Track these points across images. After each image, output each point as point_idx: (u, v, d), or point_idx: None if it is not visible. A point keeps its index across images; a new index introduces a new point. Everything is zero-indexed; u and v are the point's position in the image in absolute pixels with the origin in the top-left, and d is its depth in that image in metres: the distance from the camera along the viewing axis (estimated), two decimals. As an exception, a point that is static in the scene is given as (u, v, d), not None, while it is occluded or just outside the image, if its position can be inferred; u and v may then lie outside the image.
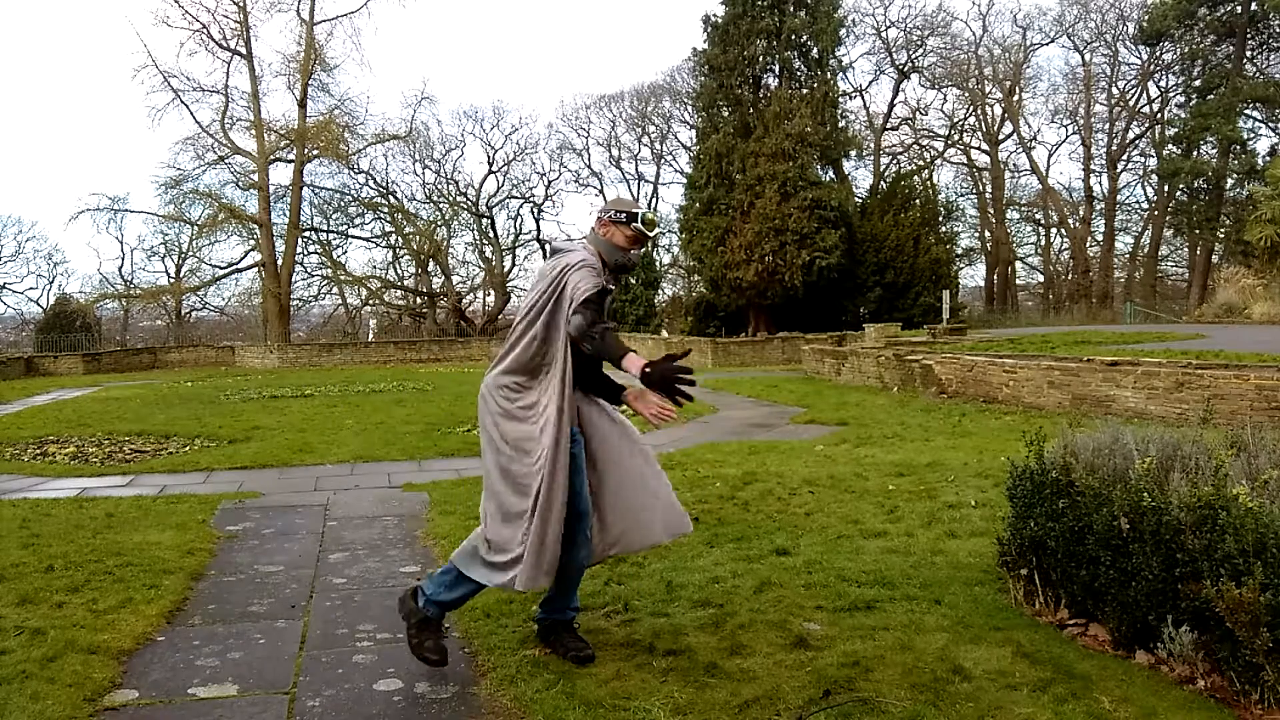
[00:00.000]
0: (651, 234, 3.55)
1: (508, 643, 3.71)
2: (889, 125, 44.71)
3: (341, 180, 41.99)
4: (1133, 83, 42.47)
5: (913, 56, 43.34)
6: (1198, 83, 37.07)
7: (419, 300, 45.10)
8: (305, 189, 38.21)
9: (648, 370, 3.08)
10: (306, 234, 40.42)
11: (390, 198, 43.79)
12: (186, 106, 37.78)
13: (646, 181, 47.12)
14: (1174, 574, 3.17)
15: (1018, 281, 47.40)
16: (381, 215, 43.92)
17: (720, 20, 31.57)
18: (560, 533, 3.34)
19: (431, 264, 44.16)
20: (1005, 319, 37.17)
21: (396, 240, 44.50)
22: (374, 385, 19.11)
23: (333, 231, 42.91)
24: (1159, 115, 41.04)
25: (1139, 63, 41.38)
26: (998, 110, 44.42)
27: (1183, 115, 37.46)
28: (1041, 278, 48.45)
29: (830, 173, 32.25)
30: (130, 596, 4.39)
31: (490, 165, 45.15)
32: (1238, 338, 16.28)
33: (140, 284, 43.91)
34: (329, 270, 43.49)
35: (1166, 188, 39.07)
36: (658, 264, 42.72)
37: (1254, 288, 24.89)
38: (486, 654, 3.62)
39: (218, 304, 47.33)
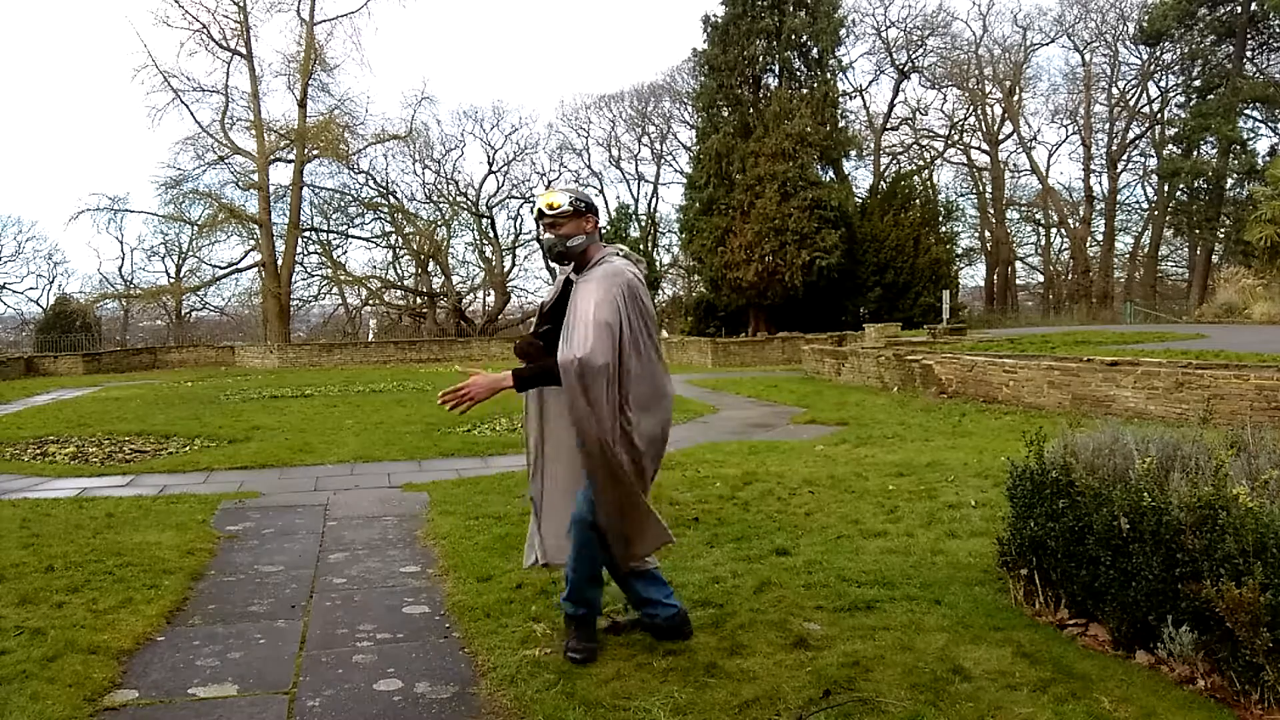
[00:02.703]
0: (550, 214, 3.53)
1: (508, 643, 3.71)
2: (889, 125, 44.72)
3: (341, 180, 42.09)
4: (1133, 83, 42.55)
5: (913, 56, 43.38)
6: (1198, 83, 37.08)
7: (419, 300, 45.09)
8: (305, 189, 38.25)
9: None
10: (306, 234, 40.45)
11: (390, 198, 43.84)
12: (186, 106, 37.89)
13: (646, 181, 47.20)
14: (1174, 574, 3.17)
15: (1018, 281, 47.44)
16: (381, 215, 43.96)
17: (720, 20, 31.57)
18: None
19: (431, 264, 44.16)
20: (1005, 319, 37.17)
21: (396, 240, 44.55)
22: (374, 385, 19.11)
23: (333, 231, 42.97)
24: (1159, 115, 41.08)
25: (1139, 63, 41.44)
26: (998, 110, 44.47)
27: (1183, 115, 37.48)
28: (1041, 278, 48.50)
29: (830, 173, 32.24)
30: (130, 596, 4.39)
31: (490, 165, 45.21)
32: (1238, 338, 16.27)
33: (140, 284, 43.99)
34: (329, 270, 43.52)
35: (1166, 188, 39.08)
36: (658, 264, 42.76)
37: (1254, 288, 24.88)
38: (486, 654, 3.62)
39: (218, 304, 47.43)
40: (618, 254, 3.59)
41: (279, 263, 36.93)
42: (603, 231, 3.72)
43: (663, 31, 72.37)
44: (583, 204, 3.56)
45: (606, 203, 44.67)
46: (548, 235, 3.57)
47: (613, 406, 3.37)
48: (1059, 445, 3.93)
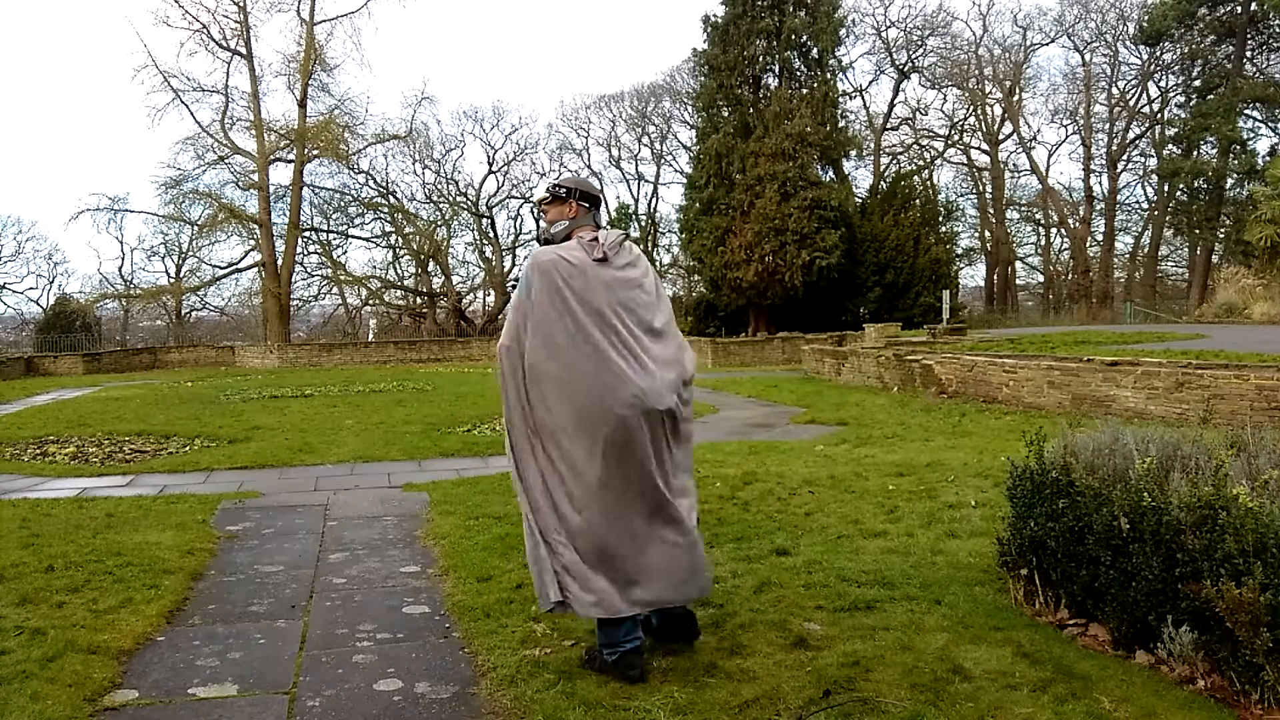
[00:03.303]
0: (539, 203, 3.68)
1: (508, 643, 3.71)
2: (889, 125, 44.67)
3: (341, 180, 42.01)
4: (1133, 83, 42.52)
5: (913, 56, 43.34)
6: (1198, 83, 37.09)
7: (419, 300, 45.07)
8: (305, 189, 38.20)
9: None
10: (306, 234, 40.40)
11: (390, 198, 43.78)
12: (186, 106, 37.77)
13: (646, 181, 47.15)
14: (1174, 574, 3.17)
15: (1018, 281, 47.42)
16: (381, 215, 43.91)
17: (720, 20, 31.56)
18: None
19: (431, 264, 44.14)
20: (1005, 319, 37.17)
21: (396, 240, 44.50)
22: (374, 385, 19.11)
23: (333, 231, 42.91)
24: (1159, 115, 41.05)
25: (1139, 63, 41.41)
26: (998, 110, 44.45)
27: (1183, 115, 37.48)
28: (1041, 278, 48.48)
29: (830, 173, 32.24)
30: (130, 596, 4.39)
31: (490, 165, 45.17)
32: (1238, 338, 16.27)
33: (140, 284, 43.93)
34: (329, 270, 43.47)
35: (1166, 188, 39.08)
36: (658, 264, 42.74)
37: (1254, 288, 24.88)
38: (486, 654, 3.62)
39: (218, 304, 47.36)
40: (580, 237, 3.47)
41: (279, 263, 36.91)
42: (598, 218, 3.60)
43: (663, 31, 72.43)
44: (562, 190, 3.53)
45: (606, 202, 44.58)
46: (542, 224, 3.68)
47: (517, 395, 3.36)
48: (1059, 445, 3.93)
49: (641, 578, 3.30)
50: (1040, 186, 44.94)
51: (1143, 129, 42.58)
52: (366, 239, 44.68)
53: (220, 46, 36.07)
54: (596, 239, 3.43)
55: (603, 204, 3.70)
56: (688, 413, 3.51)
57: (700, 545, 3.47)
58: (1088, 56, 43.22)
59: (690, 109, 39.39)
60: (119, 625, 3.98)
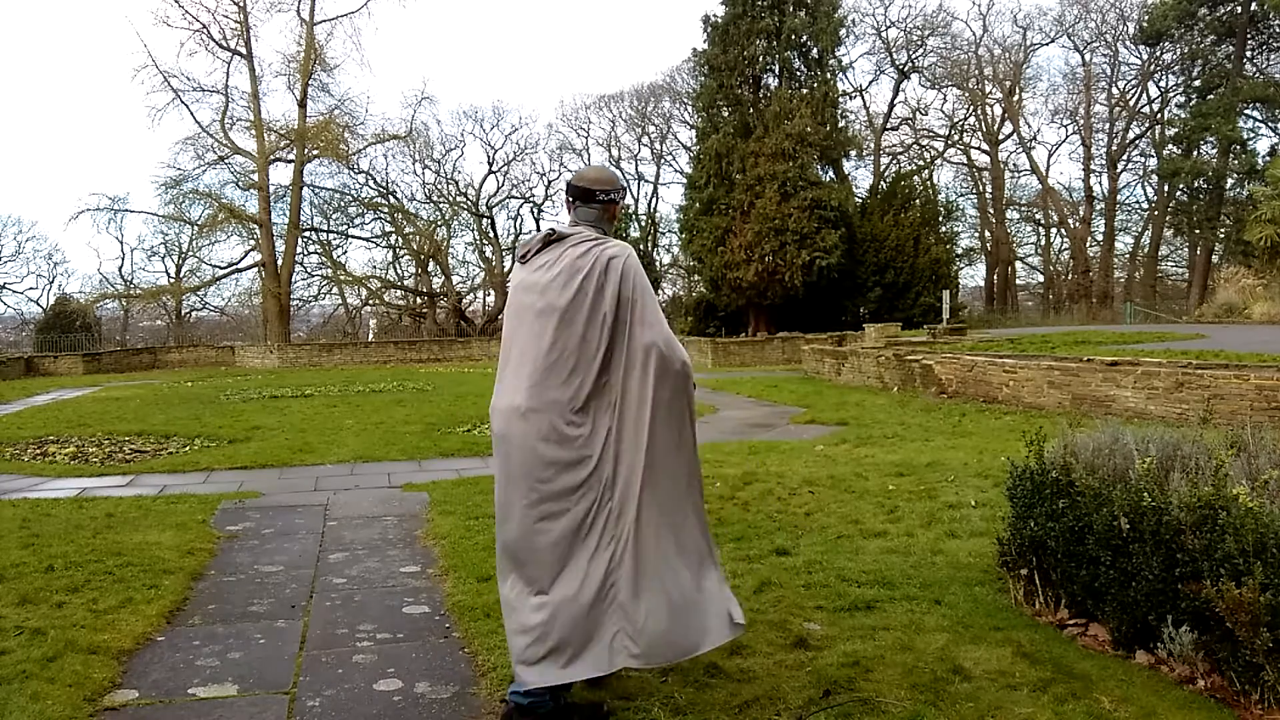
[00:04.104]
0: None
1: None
2: (889, 125, 44.68)
3: (341, 180, 42.00)
4: (1133, 83, 42.53)
5: (913, 56, 43.34)
6: (1198, 83, 37.11)
7: (419, 300, 45.06)
8: (305, 189, 38.20)
9: None
10: (306, 234, 40.39)
11: (390, 198, 43.77)
12: (186, 106, 37.82)
13: (646, 181, 47.12)
14: (1174, 574, 3.17)
15: (1018, 281, 47.42)
16: (381, 215, 43.91)
17: (720, 20, 31.57)
18: None
19: (431, 264, 44.13)
20: (1005, 319, 37.17)
21: (396, 240, 44.50)
22: (374, 385, 19.10)
23: (333, 231, 42.90)
24: (1159, 115, 41.07)
25: (1139, 63, 41.43)
26: (998, 110, 44.46)
27: (1183, 115, 37.49)
28: (1041, 278, 48.48)
29: (830, 173, 32.25)
30: (130, 596, 4.39)
31: (490, 165, 45.16)
32: (1238, 338, 16.28)
33: (140, 284, 43.89)
34: (329, 270, 43.45)
35: (1166, 188, 39.09)
36: (658, 264, 42.76)
37: (1254, 288, 24.89)
38: (486, 654, 3.62)
39: (218, 304, 47.31)
40: None
41: (279, 263, 36.90)
42: (587, 212, 3.21)
43: (663, 31, 72.38)
44: (568, 188, 3.28)
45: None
46: None
47: None
48: (1059, 445, 3.94)
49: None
50: (1040, 186, 44.98)
51: (1143, 129, 42.62)
52: (366, 239, 44.72)
53: (220, 46, 36.09)
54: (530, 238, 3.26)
55: (598, 193, 3.20)
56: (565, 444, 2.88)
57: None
58: (1088, 56, 43.29)
59: (690, 109, 39.40)
60: (119, 625, 3.98)
